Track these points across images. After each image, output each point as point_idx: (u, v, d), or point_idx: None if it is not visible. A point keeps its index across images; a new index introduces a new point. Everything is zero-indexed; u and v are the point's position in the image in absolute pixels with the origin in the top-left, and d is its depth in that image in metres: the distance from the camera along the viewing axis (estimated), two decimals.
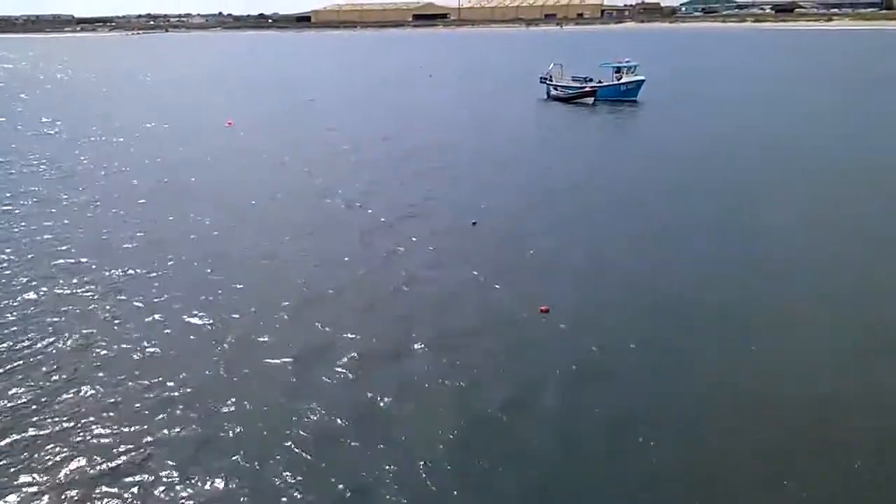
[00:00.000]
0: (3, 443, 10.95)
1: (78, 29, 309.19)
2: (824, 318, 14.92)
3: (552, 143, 37.17)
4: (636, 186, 27.23)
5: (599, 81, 52.27)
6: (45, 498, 9.81)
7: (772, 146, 33.52)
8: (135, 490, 9.91)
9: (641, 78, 51.87)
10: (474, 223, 21.68)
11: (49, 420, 11.58)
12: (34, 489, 9.99)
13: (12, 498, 9.79)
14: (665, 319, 15.00)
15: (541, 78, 56.35)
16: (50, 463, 10.51)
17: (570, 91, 52.98)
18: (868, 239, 19.73)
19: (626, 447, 10.61)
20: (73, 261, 19.02)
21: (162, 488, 9.91)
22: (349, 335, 14.40)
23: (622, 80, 51.84)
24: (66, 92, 68.95)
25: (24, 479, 10.18)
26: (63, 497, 9.83)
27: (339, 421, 11.45)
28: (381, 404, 11.92)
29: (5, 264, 18.93)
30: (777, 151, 32.38)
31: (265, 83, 72.78)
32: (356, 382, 12.64)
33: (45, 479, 10.18)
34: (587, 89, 51.61)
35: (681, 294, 16.29)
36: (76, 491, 9.95)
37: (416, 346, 13.91)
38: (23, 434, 11.18)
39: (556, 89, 54.38)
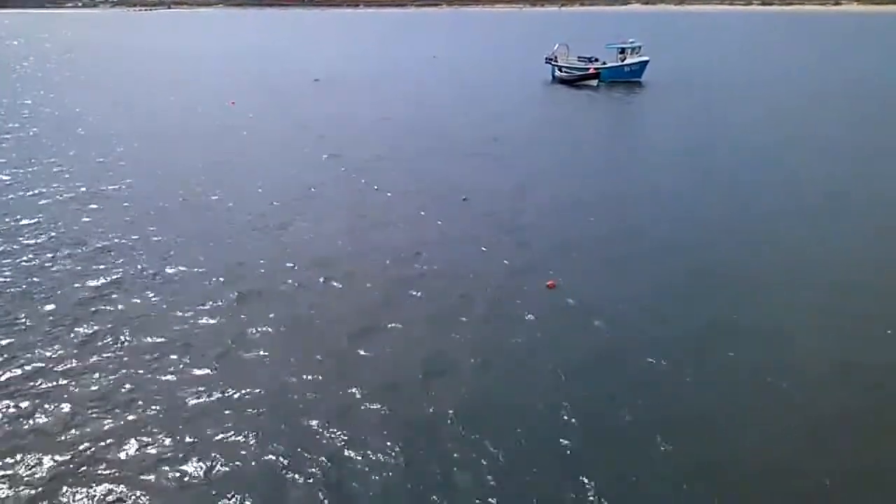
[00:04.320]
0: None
1: (80, 4, 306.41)
2: (827, 301, 15.32)
3: (550, 125, 37.16)
4: (630, 165, 27.70)
5: (604, 63, 52.18)
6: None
7: (770, 126, 33.71)
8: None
9: (645, 59, 51.77)
10: (465, 199, 22.13)
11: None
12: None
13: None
14: (676, 291, 15.40)
15: (546, 58, 56.10)
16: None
17: (575, 73, 52.86)
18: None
19: (642, 427, 11.02)
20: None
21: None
22: (355, 307, 14.84)
23: (626, 62, 51.76)
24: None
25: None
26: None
27: (345, 388, 11.92)
28: (389, 380, 12.30)
29: None
30: (776, 131, 32.57)
31: (273, 63, 72.52)
32: (368, 353, 13.07)
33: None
34: (591, 71, 51.55)
35: (688, 267, 16.73)
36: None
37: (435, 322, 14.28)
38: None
39: (560, 70, 54.23)
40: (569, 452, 10.24)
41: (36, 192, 23.88)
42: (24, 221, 20.73)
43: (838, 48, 79.53)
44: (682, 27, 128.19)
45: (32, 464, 10.15)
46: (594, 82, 50.88)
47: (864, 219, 20.38)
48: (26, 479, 9.85)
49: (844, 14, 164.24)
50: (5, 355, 13.01)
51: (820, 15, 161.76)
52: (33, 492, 9.64)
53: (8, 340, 13.57)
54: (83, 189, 24.22)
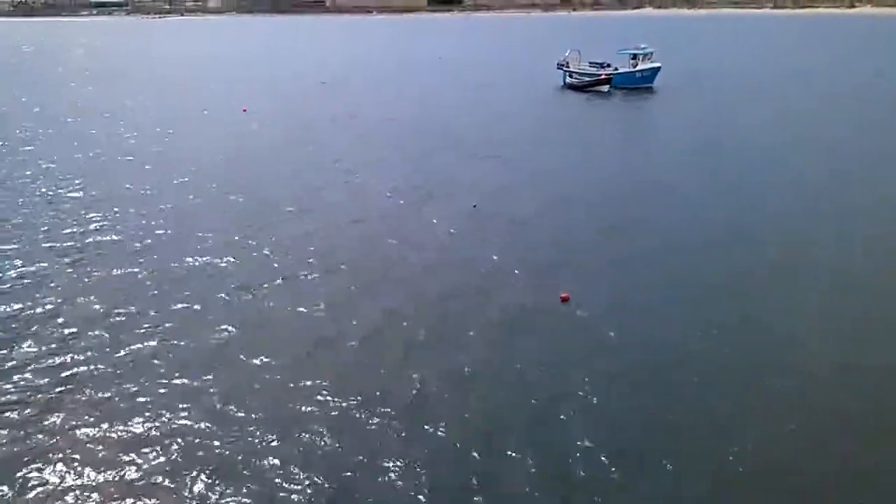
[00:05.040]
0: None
1: (94, 13, 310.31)
2: (833, 303, 15.41)
3: (559, 129, 37.20)
4: (640, 169, 27.84)
5: (616, 68, 52.22)
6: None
7: (779, 128, 33.71)
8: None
9: (657, 65, 51.75)
10: (475, 206, 22.17)
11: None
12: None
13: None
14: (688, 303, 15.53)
15: (557, 64, 56.11)
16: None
17: (586, 78, 52.89)
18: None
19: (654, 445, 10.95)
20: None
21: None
22: (359, 311, 15.02)
23: (638, 67, 51.77)
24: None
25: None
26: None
27: (352, 391, 12.14)
28: (390, 388, 12.33)
29: None
30: (785, 133, 32.59)
31: (282, 68, 73.22)
32: (372, 358, 13.26)
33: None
34: (602, 77, 51.57)
35: (696, 271, 16.87)
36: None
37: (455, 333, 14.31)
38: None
39: (571, 76, 54.31)
40: (568, 452, 10.40)
41: (47, 192, 24.42)
42: (32, 221, 21.24)
43: (850, 51, 79.14)
44: (695, 31, 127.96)
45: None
46: (605, 88, 50.89)
47: (870, 221, 20.43)
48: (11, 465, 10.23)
49: (858, 16, 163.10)
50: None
51: (834, 17, 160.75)
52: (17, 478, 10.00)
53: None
54: (92, 190, 24.71)
